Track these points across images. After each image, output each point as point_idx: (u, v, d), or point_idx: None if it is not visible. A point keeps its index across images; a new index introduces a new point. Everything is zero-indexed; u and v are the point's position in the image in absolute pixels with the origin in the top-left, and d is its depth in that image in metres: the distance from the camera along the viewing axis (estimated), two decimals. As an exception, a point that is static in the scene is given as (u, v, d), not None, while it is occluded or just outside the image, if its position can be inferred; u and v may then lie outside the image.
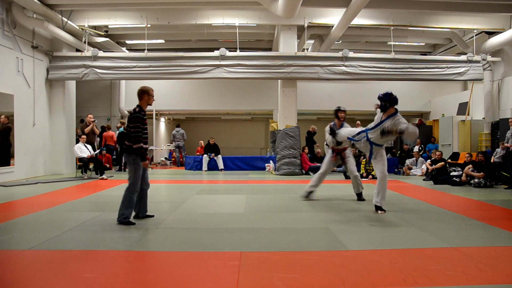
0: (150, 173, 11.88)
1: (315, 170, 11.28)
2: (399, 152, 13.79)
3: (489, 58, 11.79)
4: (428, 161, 10.72)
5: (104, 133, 12.66)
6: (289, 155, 11.17)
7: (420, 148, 12.91)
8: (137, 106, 4.65)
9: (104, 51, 11.74)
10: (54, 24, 10.24)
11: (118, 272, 2.94)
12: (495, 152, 9.77)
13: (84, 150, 9.69)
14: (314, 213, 5.31)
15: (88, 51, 11.13)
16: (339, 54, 11.30)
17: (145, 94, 4.70)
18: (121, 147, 12.44)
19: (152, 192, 7.35)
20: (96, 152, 9.89)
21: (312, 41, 12.79)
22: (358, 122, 13.00)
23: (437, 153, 10.25)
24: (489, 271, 2.92)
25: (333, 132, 6.24)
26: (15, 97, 9.37)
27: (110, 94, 15.21)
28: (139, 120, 4.53)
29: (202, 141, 14.49)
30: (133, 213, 4.68)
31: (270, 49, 14.34)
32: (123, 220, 4.49)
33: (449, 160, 11.21)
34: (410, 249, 3.55)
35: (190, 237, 4.04)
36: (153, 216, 4.91)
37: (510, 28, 11.04)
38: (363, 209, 5.71)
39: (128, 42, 14.03)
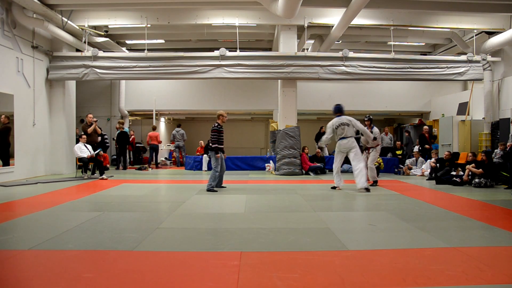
0: (150, 173, 12.00)
1: (315, 170, 11.33)
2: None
3: (489, 58, 11.79)
4: (432, 160, 10.68)
5: (150, 133, 13.81)
6: (289, 155, 11.17)
7: (420, 148, 12.91)
8: (217, 123, 7.53)
9: (104, 51, 11.74)
10: (54, 24, 10.24)
11: (118, 272, 2.94)
12: (494, 153, 9.77)
13: (84, 150, 9.68)
14: (314, 213, 5.31)
15: (88, 51, 11.14)
16: (339, 54, 11.30)
17: (220, 116, 7.58)
18: (120, 147, 12.60)
19: (152, 192, 7.40)
20: (96, 152, 9.88)
21: (312, 41, 12.79)
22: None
23: (445, 153, 10.21)
24: (489, 271, 2.92)
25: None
26: (15, 97, 9.37)
27: (110, 94, 15.20)
28: (218, 132, 7.39)
29: (202, 141, 14.49)
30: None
31: (270, 49, 14.34)
32: (211, 188, 7.33)
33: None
34: (410, 249, 3.54)
35: (190, 237, 4.04)
36: (225, 187, 7.87)
37: (510, 28, 11.04)
38: (364, 209, 5.72)
39: (128, 42, 14.04)
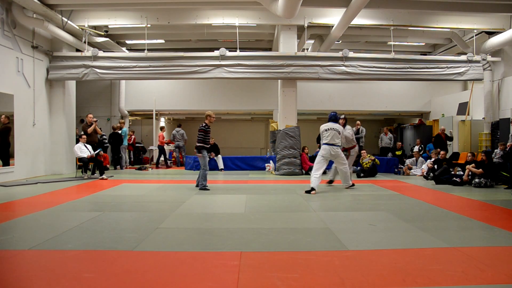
0: (150, 173, 12.00)
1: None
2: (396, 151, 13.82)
3: (489, 58, 11.79)
4: (429, 161, 10.70)
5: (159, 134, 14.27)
6: (289, 155, 11.17)
7: (420, 148, 12.92)
8: (204, 123, 7.71)
9: (104, 51, 11.73)
10: (54, 24, 10.24)
11: (118, 272, 2.94)
12: (494, 153, 9.77)
13: (84, 150, 9.68)
14: (314, 213, 5.31)
15: (88, 51, 11.13)
16: (339, 54, 11.30)
17: (208, 116, 7.78)
18: (112, 147, 12.71)
19: (152, 192, 7.40)
20: (96, 152, 9.88)
21: (312, 41, 12.79)
22: (358, 122, 13.00)
23: (441, 152, 10.22)
24: (489, 271, 2.92)
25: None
26: (15, 97, 9.37)
27: (110, 94, 15.19)
28: (204, 131, 7.59)
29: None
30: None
31: (270, 49, 14.33)
32: (203, 187, 7.57)
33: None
34: (410, 249, 3.55)
35: (190, 237, 4.04)
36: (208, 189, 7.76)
37: (510, 28, 11.04)
38: (364, 209, 5.72)
39: (128, 42, 14.03)
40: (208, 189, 7.55)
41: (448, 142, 12.17)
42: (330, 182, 8.55)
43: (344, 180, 7.95)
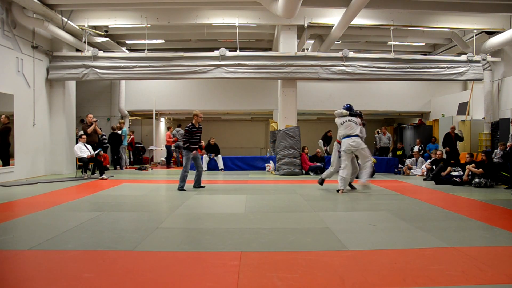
0: (150, 173, 12.01)
1: (315, 170, 11.33)
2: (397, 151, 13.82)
3: (489, 58, 11.79)
4: (428, 161, 10.71)
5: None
6: (289, 155, 11.17)
7: (420, 148, 12.92)
8: (191, 123, 7.64)
9: (104, 51, 11.74)
10: (54, 24, 10.24)
11: (118, 272, 2.94)
12: (494, 153, 9.77)
13: (84, 150, 9.68)
14: (314, 213, 5.31)
15: (88, 51, 11.13)
16: (339, 54, 11.30)
17: (195, 116, 7.70)
18: (111, 147, 12.73)
19: (152, 192, 7.40)
20: (96, 152, 9.88)
21: (312, 41, 12.79)
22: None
23: (438, 152, 10.23)
24: (490, 271, 2.92)
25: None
26: (15, 97, 9.37)
27: (110, 94, 15.18)
28: (188, 132, 7.52)
29: (202, 141, 14.48)
30: (183, 185, 7.55)
31: (270, 49, 14.33)
32: (181, 188, 7.42)
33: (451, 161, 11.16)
34: (410, 249, 3.54)
35: (190, 237, 4.04)
36: (204, 187, 7.97)
37: (510, 28, 11.04)
38: (364, 209, 5.72)
39: (128, 42, 14.03)
40: (185, 190, 7.38)
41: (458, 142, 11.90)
42: (321, 182, 7.99)
43: (364, 175, 7.40)
